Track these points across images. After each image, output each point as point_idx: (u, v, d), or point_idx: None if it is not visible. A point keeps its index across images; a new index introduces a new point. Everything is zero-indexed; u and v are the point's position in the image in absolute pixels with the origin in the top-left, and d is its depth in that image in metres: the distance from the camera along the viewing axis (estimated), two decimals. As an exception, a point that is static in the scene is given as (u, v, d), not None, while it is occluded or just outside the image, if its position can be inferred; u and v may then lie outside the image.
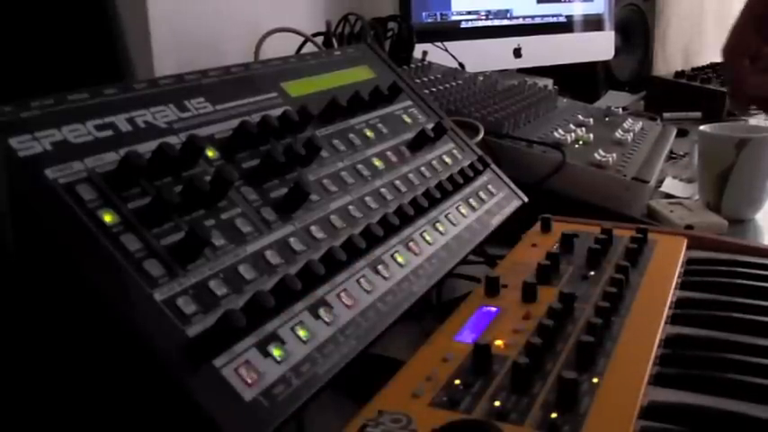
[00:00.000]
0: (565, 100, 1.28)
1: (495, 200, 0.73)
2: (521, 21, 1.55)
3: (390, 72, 0.77)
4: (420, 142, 0.70)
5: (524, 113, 1.04)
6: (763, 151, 0.91)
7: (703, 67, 1.77)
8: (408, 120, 0.73)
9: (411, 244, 0.58)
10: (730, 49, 0.62)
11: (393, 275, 0.54)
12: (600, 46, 1.74)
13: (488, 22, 1.49)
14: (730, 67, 0.62)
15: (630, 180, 0.90)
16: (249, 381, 0.40)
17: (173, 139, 0.49)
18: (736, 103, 0.85)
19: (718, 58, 1.95)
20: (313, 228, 0.52)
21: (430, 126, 0.72)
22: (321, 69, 0.69)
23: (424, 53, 1.21)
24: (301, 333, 0.45)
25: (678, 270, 0.62)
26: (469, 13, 1.45)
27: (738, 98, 0.77)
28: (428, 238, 0.60)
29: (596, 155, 0.94)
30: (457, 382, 0.44)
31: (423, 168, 0.68)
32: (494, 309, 0.54)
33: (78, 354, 0.40)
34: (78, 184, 0.42)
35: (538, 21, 1.58)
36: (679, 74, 1.68)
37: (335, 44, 1.08)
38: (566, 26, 1.65)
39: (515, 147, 0.93)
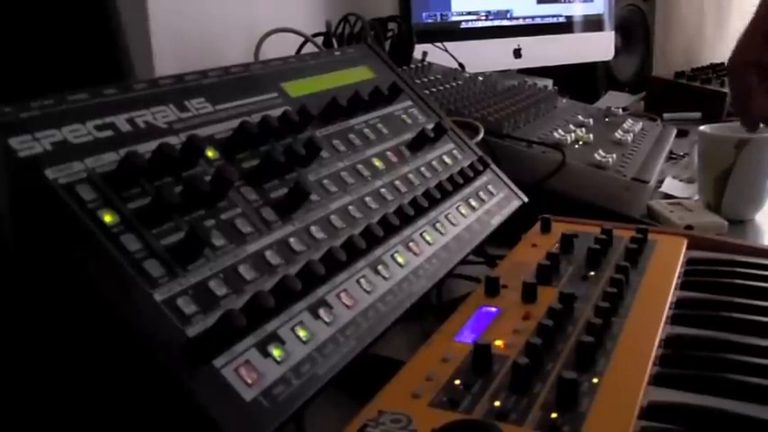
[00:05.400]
0: (565, 100, 1.28)
1: (495, 200, 0.73)
2: (521, 21, 1.55)
3: (390, 72, 0.77)
4: (420, 142, 0.70)
5: (524, 114, 1.04)
6: (763, 151, 0.91)
7: (703, 68, 1.77)
8: (408, 120, 0.73)
9: (411, 244, 0.58)
10: (736, 61, 0.59)
11: (393, 276, 0.54)
12: (600, 46, 1.74)
13: (488, 23, 1.49)
14: (737, 80, 0.60)
15: (630, 180, 0.90)
16: (249, 381, 0.40)
17: (173, 140, 0.49)
18: (744, 122, 0.85)
19: (717, 59, 1.96)
20: (313, 228, 0.52)
21: (430, 126, 0.72)
22: (321, 70, 0.69)
23: (424, 53, 1.21)
24: (301, 333, 0.45)
25: (678, 270, 0.62)
26: (469, 13, 1.45)
27: (746, 119, 0.74)
28: (428, 238, 0.60)
29: (596, 155, 0.94)
30: (457, 382, 0.44)
31: (423, 168, 0.68)
32: (494, 309, 0.54)
33: (78, 354, 0.40)
34: (78, 185, 0.42)
35: (538, 21, 1.59)
36: (679, 74, 1.68)
37: (335, 44, 1.08)
38: (566, 26, 1.65)
39: (515, 147, 0.93)
